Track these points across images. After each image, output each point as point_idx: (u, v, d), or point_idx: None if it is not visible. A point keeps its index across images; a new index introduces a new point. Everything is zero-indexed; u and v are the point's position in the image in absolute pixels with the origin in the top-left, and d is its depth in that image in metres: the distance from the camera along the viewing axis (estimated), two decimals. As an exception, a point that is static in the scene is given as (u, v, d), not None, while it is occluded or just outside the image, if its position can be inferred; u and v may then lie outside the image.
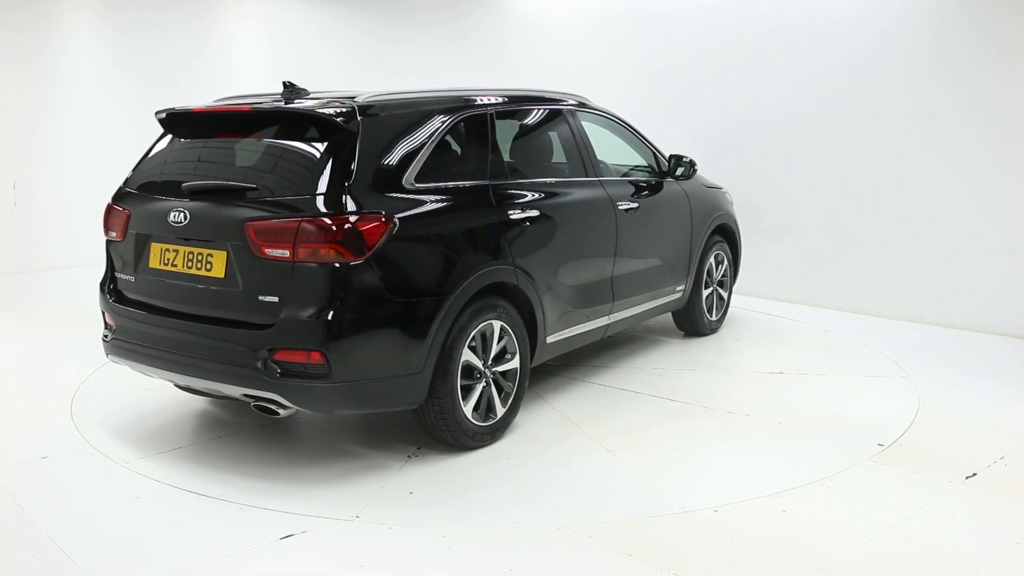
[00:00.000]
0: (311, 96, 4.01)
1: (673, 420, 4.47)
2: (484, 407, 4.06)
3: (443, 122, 4.04)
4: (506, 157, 4.56)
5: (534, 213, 4.35)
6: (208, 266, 3.70)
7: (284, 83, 4.20)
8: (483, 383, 4.03)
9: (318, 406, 3.68)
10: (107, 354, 4.23)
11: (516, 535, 3.26)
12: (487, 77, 9.18)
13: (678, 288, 5.66)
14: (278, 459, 4.00)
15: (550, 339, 4.50)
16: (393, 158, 3.75)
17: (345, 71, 10.36)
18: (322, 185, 3.53)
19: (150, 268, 3.95)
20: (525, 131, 4.96)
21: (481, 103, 4.35)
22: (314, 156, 3.64)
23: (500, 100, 4.54)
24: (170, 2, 9.83)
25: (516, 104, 4.73)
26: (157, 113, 4.22)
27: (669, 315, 6.06)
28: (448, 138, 4.10)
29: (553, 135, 5.03)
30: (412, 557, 3.10)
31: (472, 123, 4.26)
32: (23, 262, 8.82)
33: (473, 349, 3.95)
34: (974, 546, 3.18)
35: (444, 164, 4.05)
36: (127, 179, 4.26)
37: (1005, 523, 3.37)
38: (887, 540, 3.20)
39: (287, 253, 3.46)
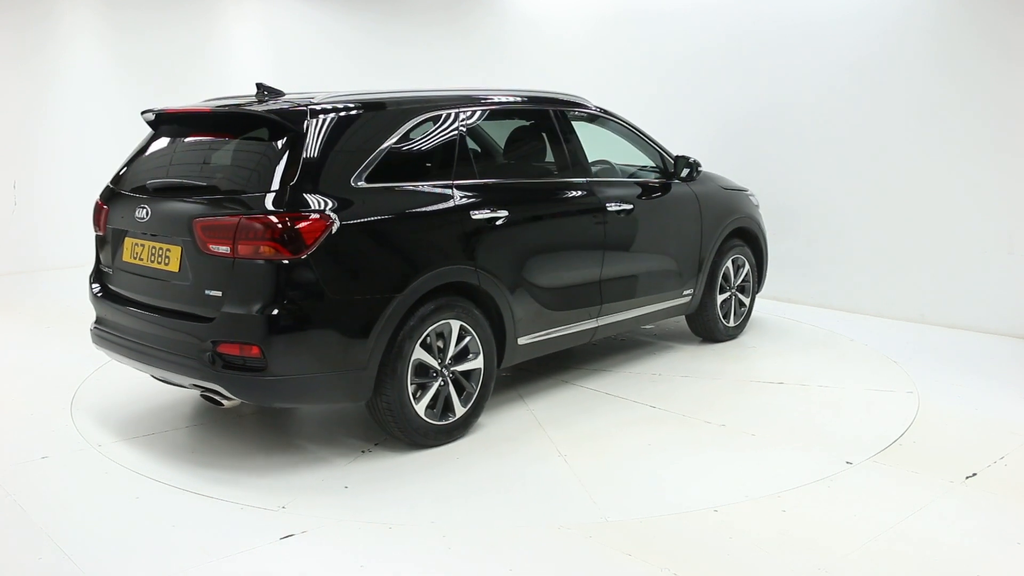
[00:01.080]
0: (282, 98, 4.13)
1: (642, 427, 4.37)
2: (441, 406, 4.06)
3: (403, 123, 4.07)
4: (480, 158, 4.55)
5: (503, 214, 4.30)
6: (166, 260, 3.89)
7: (257, 85, 4.31)
8: (439, 382, 4.04)
9: (258, 398, 3.80)
10: (92, 342, 4.41)
11: (516, 535, 3.26)
12: (487, 77, 9.18)
13: (685, 292, 5.52)
14: (280, 458, 4.00)
15: (522, 341, 4.47)
16: (343, 158, 3.82)
17: (345, 71, 10.36)
18: (266, 184, 3.65)
19: (123, 262, 4.18)
20: (504, 132, 4.94)
21: (450, 105, 4.35)
22: (263, 156, 3.79)
23: (475, 101, 4.53)
24: (170, 2, 9.83)
25: (495, 105, 4.70)
26: (143, 113, 4.38)
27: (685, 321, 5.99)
28: (408, 139, 4.11)
29: (537, 136, 4.97)
30: (412, 557, 3.10)
31: (438, 124, 4.27)
32: (23, 262, 8.82)
33: (428, 348, 3.98)
34: (974, 546, 3.18)
35: (402, 164, 4.06)
36: (113, 176, 4.42)
37: (1005, 523, 3.37)
38: (887, 540, 3.20)
39: (228, 249, 3.60)
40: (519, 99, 4.88)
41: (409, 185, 4.03)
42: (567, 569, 3.03)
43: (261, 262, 3.58)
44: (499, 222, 4.28)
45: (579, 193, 4.83)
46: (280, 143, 3.75)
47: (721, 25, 7.66)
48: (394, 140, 4.01)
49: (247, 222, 3.56)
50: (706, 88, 7.81)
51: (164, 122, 4.34)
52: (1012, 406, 4.72)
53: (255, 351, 3.57)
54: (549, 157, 4.96)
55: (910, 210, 6.65)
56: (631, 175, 5.50)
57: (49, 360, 5.68)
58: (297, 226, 3.56)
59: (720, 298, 5.81)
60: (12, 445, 4.20)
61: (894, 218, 6.74)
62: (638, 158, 5.61)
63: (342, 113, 3.92)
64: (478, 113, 4.52)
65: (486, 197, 4.30)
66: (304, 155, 3.69)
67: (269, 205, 3.59)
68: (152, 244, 3.95)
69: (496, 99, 4.74)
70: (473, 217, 4.18)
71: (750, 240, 6.07)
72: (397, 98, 4.21)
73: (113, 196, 4.30)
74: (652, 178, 5.47)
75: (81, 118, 9.19)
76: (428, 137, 4.24)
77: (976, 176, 6.29)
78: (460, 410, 4.15)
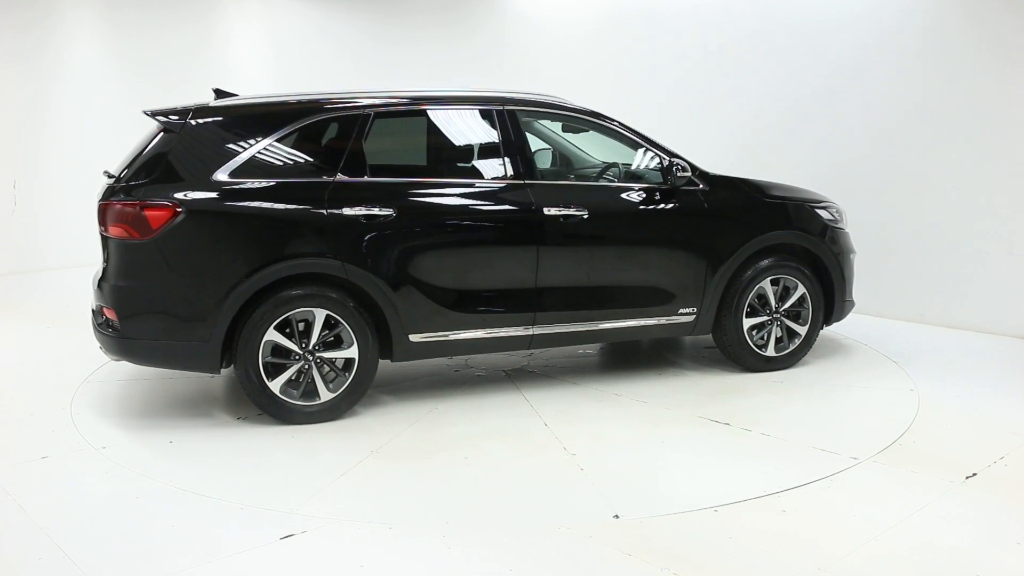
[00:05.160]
0: (232, 101, 4.65)
1: (498, 443, 4.19)
2: (303, 388, 4.38)
3: (287, 124, 4.42)
4: (379, 157, 4.57)
5: (386, 212, 4.38)
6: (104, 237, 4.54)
7: (214, 90, 4.80)
8: (300, 365, 4.35)
9: (117, 355, 4.40)
10: None
11: (516, 535, 3.26)
12: (487, 78, 9.19)
13: (683, 311, 5.02)
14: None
15: (416, 338, 4.54)
16: (210, 155, 4.30)
17: (345, 71, 10.37)
18: (138, 176, 4.26)
19: None
20: (419, 133, 4.89)
21: (349, 106, 4.52)
22: (147, 151, 4.33)
23: (386, 102, 4.61)
24: (170, 2, 9.84)
25: (411, 105, 4.72)
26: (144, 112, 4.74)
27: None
28: (292, 138, 4.43)
29: (467, 136, 4.89)
30: (412, 557, 3.10)
31: (331, 124, 4.51)
32: (23, 262, 8.83)
33: (288, 332, 4.32)
34: (974, 546, 3.18)
35: (279, 161, 4.39)
36: None
37: (1005, 523, 3.37)
38: (887, 540, 3.20)
39: (103, 229, 4.27)
40: (450, 99, 4.84)
41: (279, 181, 4.34)
42: (567, 569, 3.03)
43: (118, 240, 4.22)
44: (381, 220, 4.39)
45: (504, 195, 4.68)
46: (160, 140, 4.33)
47: (719, 25, 7.66)
48: (274, 139, 4.39)
49: (112, 207, 4.21)
50: (704, 88, 7.82)
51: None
52: (1012, 406, 4.72)
53: (112, 314, 4.26)
54: (479, 157, 4.82)
55: (910, 210, 6.65)
56: (637, 179, 5.14)
57: (49, 360, 5.68)
58: (144, 212, 4.13)
59: (749, 323, 5.16)
60: (12, 445, 4.20)
61: (894, 218, 6.74)
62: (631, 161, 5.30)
63: (225, 115, 4.43)
64: (385, 113, 4.59)
65: (369, 195, 4.41)
66: (173, 152, 4.28)
67: (128, 194, 4.21)
68: None
69: (418, 100, 4.75)
70: (346, 213, 4.34)
71: (812, 261, 5.31)
72: (291, 100, 4.56)
73: None
74: (638, 183, 5.03)
75: (81, 118, 9.20)
76: (315, 137, 4.52)
77: (976, 176, 6.30)
78: (326, 395, 4.39)
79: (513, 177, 4.72)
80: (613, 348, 5.96)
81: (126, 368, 5.36)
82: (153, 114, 4.38)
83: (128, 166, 4.35)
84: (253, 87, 9.86)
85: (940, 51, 6.41)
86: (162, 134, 4.33)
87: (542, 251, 4.69)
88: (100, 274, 4.41)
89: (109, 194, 4.28)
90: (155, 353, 4.32)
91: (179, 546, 3.17)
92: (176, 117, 4.34)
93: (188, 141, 4.30)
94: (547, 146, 5.61)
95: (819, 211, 5.37)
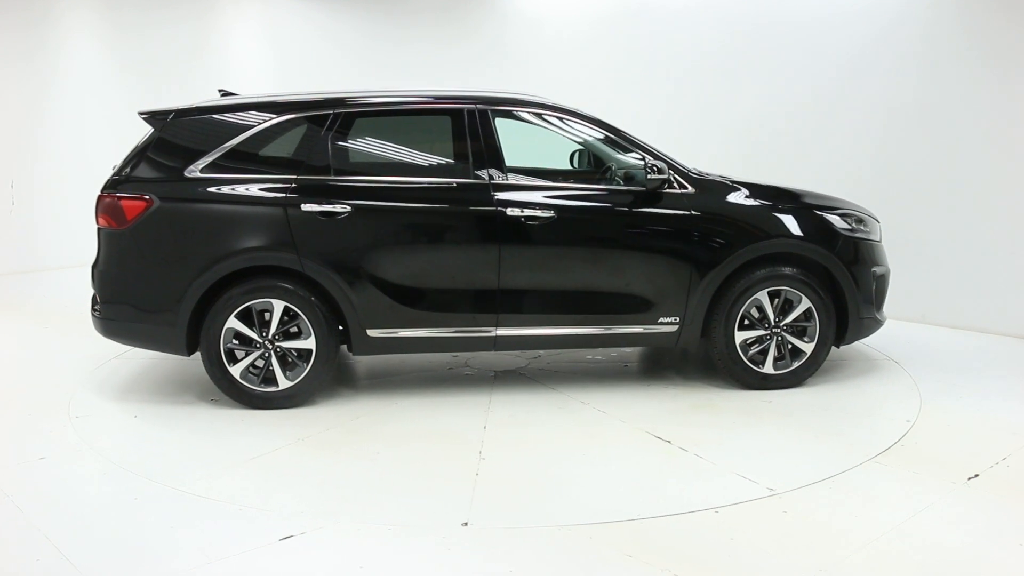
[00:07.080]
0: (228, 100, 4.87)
1: (420, 441, 4.19)
2: (264, 375, 4.61)
3: (256, 123, 4.63)
4: (343, 156, 4.71)
5: (343, 209, 4.52)
6: None
7: (219, 91, 5.05)
8: (260, 353, 4.57)
9: (101, 333, 4.73)
10: None
11: (516, 535, 3.25)
12: (487, 78, 9.19)
13: (663, 320, 4.79)
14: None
15: (374, 333, 4.65)
16: (184, 152, 4.59)
17: (345, 71, 10.37)
18: (125, 170, 4.59)
19: None
20: (385, 133, 4.94)
21: (316, 106, 4.70)
22: (136, 148, 4.67)
23: (354, 102, 4.73)
24: (170, 2, 9.84)
25: (379, 106, 4.79)
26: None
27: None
28: (260, 137, 4.64)
29: (431, 136, 4.92)
30: (412, 557, 3.09)
31: (298, 124, 4.67)
32: (22, 262, 8.83)
33: (249, 320, 4.55)
34: (975, 547, 3.17)
35: (244, 159, 4.61)
36: None
37: (1007, 524, 3.36)
38: (888, 541, 3.19)
39: (95, 219, 4.63)
40: (418, 99, 4.87)
41: (242, 177, 4.56)
42: (567, 569, 3.02)
43: (103, 229, 4.59)
44: (337, 216, 4.53)
45: (464, 195, 4.65)
46: (148, 138, 4.64)
47: (720, 26, 7.67)
48: (243, 137, 4.61)
49: (101, 199, 4.56)
50: (703, 88, 7.82)
51: None
52: (1014, 407, 4.71)
53: (98, 297, 4.65)
54: (442, 157, 4.83)
55: (911, 211, 6.65)
56: (628, 180, 4.92)
57: (48, 360, 5.67)
58: (121, 203, 4.49)
59: (742, 336, 4.86)
60: (10, 446, 4.20)
61: (895, 218, 6.72)
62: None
63: (203, 115, 4.66)
64: (352, 114, 4.71)
65: (329, 192, 4.57)
66: (152, 148, 4.60)
67: (111, 187, 4.55)
68: None
69: (387, 101, 4.82)
70: (304, 209, 4.51)
71: (823, 273, 4.93)
72: (261, 100, 4.78)
73: None
74: (616, 186, 4.85)
75: (80, 118, 9.20)
76: (283, 135, 4.69)
77: (977, 176, 6.29)
78: (284, 383, 4.60)
79: (476, 177, 4.68)
80: (623, 355, 5.90)
81: (125, 367, 5.35)
82: (142, 115, 4.67)
83: (123, 162, 4.65)
84: (253, 87, 9.86)
85: (941, 51, 6.41)
86: (150, 132, 4.64)
87: (504, 252, 4.63)
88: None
89: (103, 187, 4.60)
90: (130, 333, 4.68)
91: (178, 547, 3.16)
92: (160, 117, 4.62)
93: (168, 139, 4.60)
94: (581, 147, 5.43)
95: (831, 218, 4.95)
